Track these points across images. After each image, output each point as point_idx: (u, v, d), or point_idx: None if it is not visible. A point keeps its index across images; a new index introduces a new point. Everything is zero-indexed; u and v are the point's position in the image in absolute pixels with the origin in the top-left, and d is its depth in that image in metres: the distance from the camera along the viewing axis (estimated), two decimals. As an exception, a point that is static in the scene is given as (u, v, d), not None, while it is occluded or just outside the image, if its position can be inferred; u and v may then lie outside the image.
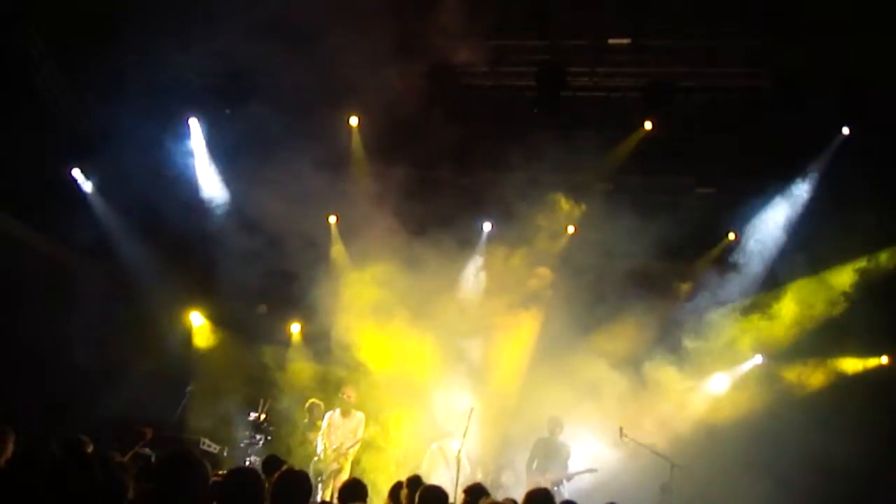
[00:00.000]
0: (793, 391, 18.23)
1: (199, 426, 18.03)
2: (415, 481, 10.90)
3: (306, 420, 17.43)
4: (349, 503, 9.92)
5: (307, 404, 17.65)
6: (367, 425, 17.20)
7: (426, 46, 17.94)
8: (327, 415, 17.37)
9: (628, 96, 18.36)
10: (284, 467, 7.96)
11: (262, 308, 19.99)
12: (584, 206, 19.06)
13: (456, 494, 12.96)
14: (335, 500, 12.15)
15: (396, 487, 11.51)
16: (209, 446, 16.74)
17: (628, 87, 18.36)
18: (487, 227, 19.43)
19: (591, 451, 17.44)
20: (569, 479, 16.81)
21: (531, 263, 19.15)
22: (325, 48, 17.55)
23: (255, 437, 16.92)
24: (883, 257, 18.36)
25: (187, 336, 19.64)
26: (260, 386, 18.77)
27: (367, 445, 17.47)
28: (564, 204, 18.99)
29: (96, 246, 19.33)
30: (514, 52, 18.22)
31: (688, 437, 17.73)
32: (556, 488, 16.12)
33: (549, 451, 17.06)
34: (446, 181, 18.11)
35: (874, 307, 17.46)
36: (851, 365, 18.47)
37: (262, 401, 17.70)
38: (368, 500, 10.18)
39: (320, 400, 17.69)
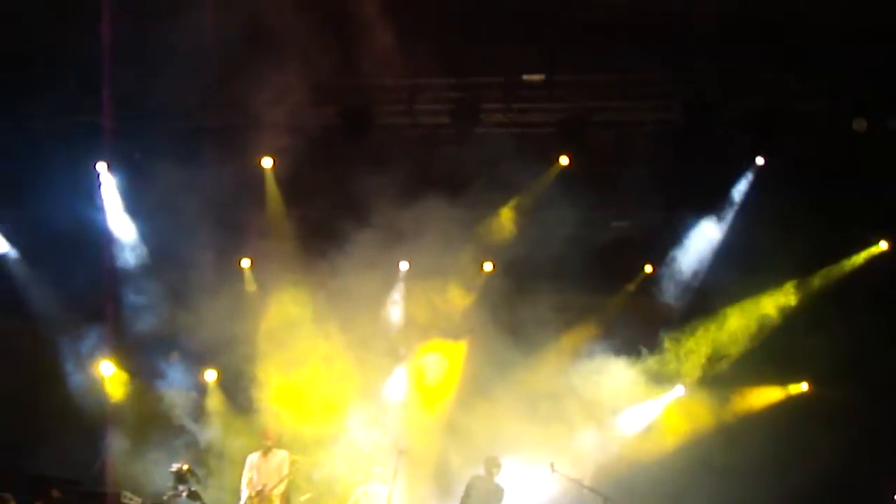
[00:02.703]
0: (715, 422, 18.28)
1: (119, 479, 17.51)
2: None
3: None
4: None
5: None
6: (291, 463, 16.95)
7: (340, 86, 17.94)
8: (248, 458, 16.96)
9: (543, 132, 18.42)
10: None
11: (175, 355, 19.52)
12: (501, 242, 18.98)
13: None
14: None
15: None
16: (130, 499, 16.20)
17: (543, 123, 18.45)
18: (405, 265, 19.25)
19: (523, 487, 17.29)
20: None
21: (450, 301, 19.00)
22: (237, 89, 17.42)
23: (178, 488, 16.42)
24: (794, 286, 18.62)
25: (100, 387, 19.07)
26: (180, 435, 18.29)
27: (295, 488, 17.19)
28: (482, 240, 18.90)
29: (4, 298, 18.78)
30: (429, 90, 18.21)
31: (617, 471, 17.70)
32: None
33: (485, 491, 16.80)
34: (363, 220, 17.89)
35: (795, 333, 17.72)
36: (773, 393, 18.62)
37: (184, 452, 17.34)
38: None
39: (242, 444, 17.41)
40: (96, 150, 18.51)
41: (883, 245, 18.20)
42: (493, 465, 16.73)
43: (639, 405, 18.76)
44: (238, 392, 18.94)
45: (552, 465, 15.97)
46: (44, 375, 18.75)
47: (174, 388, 18.84)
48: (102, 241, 19.02)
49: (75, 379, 18.89)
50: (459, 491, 16.82)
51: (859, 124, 16.82)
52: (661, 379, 18.78)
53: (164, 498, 16.22)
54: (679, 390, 18.75)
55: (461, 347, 19.05)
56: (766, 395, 18.66)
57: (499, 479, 16.72)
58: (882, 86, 16.67)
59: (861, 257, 18.42)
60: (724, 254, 18.53)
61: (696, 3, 16.66)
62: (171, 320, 18.66)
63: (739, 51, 16.74)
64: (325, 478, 17.87)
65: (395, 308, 19.43)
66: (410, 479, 17.38)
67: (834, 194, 17.33)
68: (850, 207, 17.50)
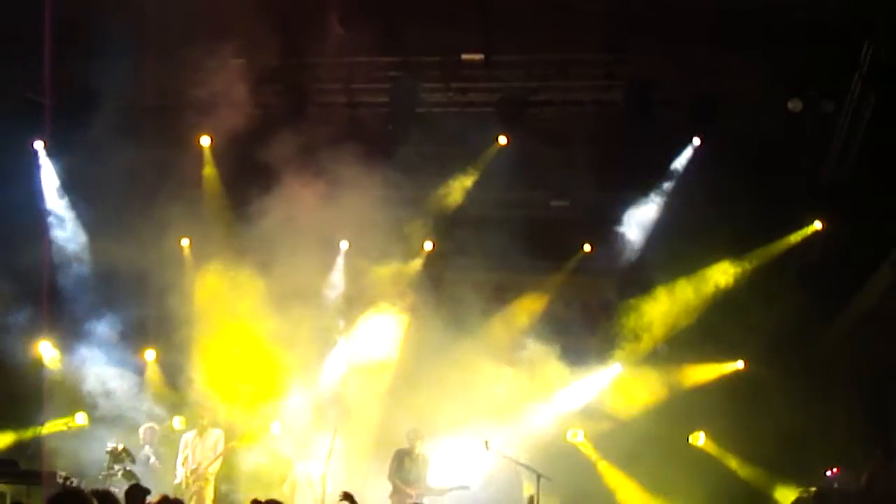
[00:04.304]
0: (653, 399, 18.42)
1: (55, 459, 17.42)
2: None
3: (146, 447, 17.27)
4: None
5: (142, 429, 17.48)
6: (227, 441, 17.08)
7: (278, 65, 17.87)
8: (184, 437, 17.21)
9: (483, 111, 18.43)
10: (158, 496, 7.84)
11: (113, 335, 19.39)
12: (441, 220, 19.04)
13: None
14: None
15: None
16: (66, 479, 16.13)
17: (482, 103, 18.45)
18: (344, 245, 19.24)
19: (458, 464, 17.37)
20: (440, 494, 16.60)
21: (389, 278, 19.01)
22: (177, 68, 17.32)
23: (113, 468, 16.40)
24: (730, 265, 18.78)
25: (39, 368, 18.93)
26: (116, 415, 18.22)
27: (231, 467, 17.22)
28: (421, 218, 18.94)
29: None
30: (368, 69, 18.15)
31: (554, 449, 17.84)
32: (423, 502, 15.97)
33: (410, 462, 16.87)
34: (302, 199, 17.83)
35: (732, 311, 17.89)
36: (710, 370, 18.81)
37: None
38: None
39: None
40: (35, 128, 18.34)
41: (817, 225, 18.35)
42: (415, 436, 16.85)
43: (577, 383, 18.81)
44: (175, 371, 18.89)
45: (486, 442, 16.08)
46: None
47: (112, 368, 18.67)
48: (40, 219, 18.86)
49: (12, 359, 18.69)
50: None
51: (794, 105, 16.92)
52: (599, 357, 18.90)
53: (100, 477, 16.21)
54: (617, 368, 18.86)
55: (402, 321, 19.07)
56: (703, 373, 18.79)
57: (423, 449, 16.84)
58: (817, 68, 16.77)
59: (796, 237, 18.59)
60: (662, 233, 18.65)
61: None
62: (109, 300, 18.55)
63: (679, 32, 16.77)
64: (262, 457, 17.82)
65: (335, 285, 19.39)
66: (348, 455, 17.48)
67: (770, 174, 17.47)
68: (786, 187, 17.67)
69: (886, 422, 17.66)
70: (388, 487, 16.76)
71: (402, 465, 16.79)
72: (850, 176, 17.13)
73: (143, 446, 17.45)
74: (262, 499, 11.15)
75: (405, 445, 16.95)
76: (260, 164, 17.82)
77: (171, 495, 14.89)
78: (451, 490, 16.61)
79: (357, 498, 15.89)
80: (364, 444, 18.05)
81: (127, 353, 19.06)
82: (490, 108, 18.36)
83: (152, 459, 17.33)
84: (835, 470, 17.16)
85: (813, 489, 15.96)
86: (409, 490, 16.28)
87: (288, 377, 18.17)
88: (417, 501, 15.77)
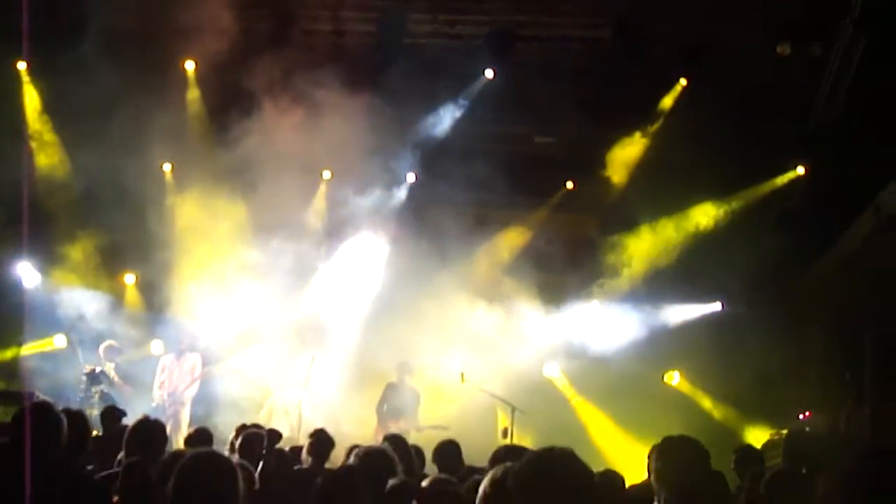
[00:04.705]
0: (630, 336, 18.51)
1: (34, 380, 17.45)
2: (241, 427, 10.81)
3: (107, 363, 17.25)
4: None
5: (101, 347, 17.44)
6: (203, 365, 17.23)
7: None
8: (161, 360, 17.36)
9: (471, 44, 18.30)
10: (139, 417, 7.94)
11: (92, 259, 19.31)
12: (424, 155, 18.99)
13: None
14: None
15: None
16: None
17: (470, 35, 18.34)
18: (327, 174, 19.17)
19: (432, 397, 17.48)
20: (419, 430, 16.68)
21: (371, 208, 18.98)
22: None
23: (90, 390, 16.47)
24: (712, 206, 18.82)
25: (18, 289, 18.88)
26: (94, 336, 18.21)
27: (208, 391, 17.32)
28: (405, 149, 18.88)
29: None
30: (356, -2, 18.00)
31: (531, 384, 17.94)
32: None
33: (397, 396, 16.99)
34: (286, 127, 17.73)
35: (712, 252, 17.96)
36: (688, 311, 18.90)
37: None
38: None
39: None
40: (16, 48, 18.14)
41: (800, 170, 18.36)
42: (404, 370, 16.99)
43: (555, 318, 18.89)
44: (155, 295, 18.91)
45: (462, 374, 16.18)
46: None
47: (90, 291, 18.64)
48: (21, 141, 18.74)
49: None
50: (375, 392, 17.05)
51: (783, 49, 16.85)
52: (578, 294, 18.95)
53: (77, 399, 16.27)
54: (595, 305, 18.95)
55: (383, 251, 19.08)
56: (681, 312, 18.88)
57: (413, 383, 16.94)
58: (808, 12, 16.68)
59: (780, 180, 18.61)
60: (646, 171, 18.60)
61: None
62: (89, 223, 18.53)
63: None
64: (238, 383, 17.88)
65: (317, 213, 19.36)
66: (325, 382, 17.55)
67: (756, 118, 17.42)
68: (772, 132, 17.65)
69: (861, 368, 17.76)
70: (364, 414, 16.92)
71: (390, 398, 16.91)
72: (837, 121, 17.08)
73: (103, 364, 17.35)
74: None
75: (394, 379, 17.04)
76: (244, 91, 17.71)
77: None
78: (429, 428, 16.68)
79: (333, 424, 16.10)
80: (341, 372, 18.07)
81: (106, 276, 19.04)
82: (478, 40, 18.24)
83: (114, 377, 17.27)
84: (807, 413, 17.31)
85: (784, 431, 16.08)
86: (392, 424, 16.37)
87: (267, 303, 18.17)
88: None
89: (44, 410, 7.17)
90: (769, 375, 17.35)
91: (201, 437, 10.54)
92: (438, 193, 18.57)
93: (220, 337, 18.02)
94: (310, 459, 10.02)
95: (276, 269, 18.00)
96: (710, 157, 16.98)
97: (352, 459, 7.57)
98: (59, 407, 14.63)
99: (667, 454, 7.02)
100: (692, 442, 7.00)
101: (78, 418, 7.80)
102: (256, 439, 10.33)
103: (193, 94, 18.78)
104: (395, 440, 9.20)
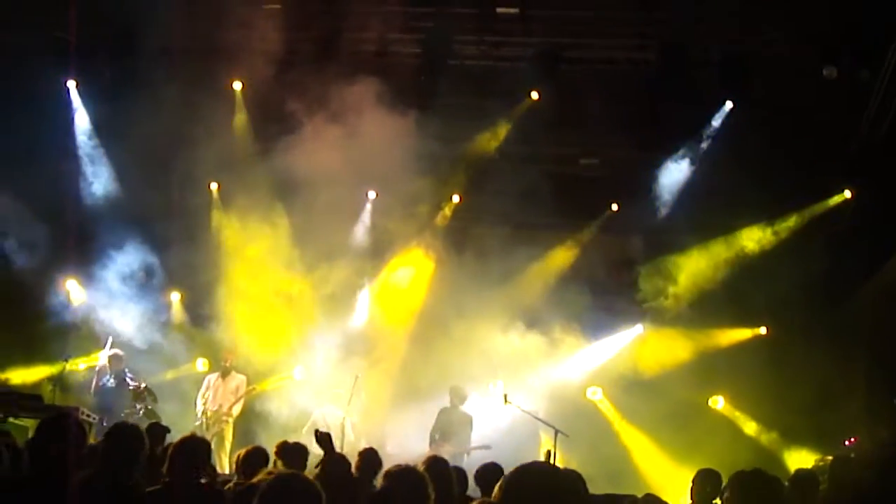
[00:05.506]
0: (674, 360, 18.42)
1: (79, 397, 17.59)
2: (283, 446, 10.75)
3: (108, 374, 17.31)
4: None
5: (107, 355, 17.49)
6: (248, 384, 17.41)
7: (311, 11, 17.83)
8: (206, 378, 17.63)
9: (516, 66, 18.37)
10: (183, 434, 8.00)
11: (141, 276, 19.51)
12: (469, 175, 19.04)
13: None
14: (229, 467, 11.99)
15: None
16: (87, 416, 16.32)
17: (516, 57, 18.42)
18: (372, 194, 19.25)
19: (477, 419, 17.44)
20: (467, 453, 16.60)
21: (416, 230, 19.05)
22: (209, 10, 17.27)
23: (135, 406, 16.60)
24: (758, 230, 18.72)
25: (65, 306, 19.06)
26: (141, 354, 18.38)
27: (255, 415, 17.41)
28: (450, 171, 18.92)
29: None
30: (402, 18, 18.04)
31: (573, 407, 17.91)
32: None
33: (449, 421, 16.98)
34: (332, 147, 17.83)
35: (757, 276, 17.87)
36: (732, 335, 18.78)
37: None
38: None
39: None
40: (66, 67, 18.37)
41: (847, 194, 18.24)
42: (455, 395, 17.00)
43: (599, 342, 18.86)
44: (201, 315, 19.05)
45: (505, 395, 16.16)
46: (14, 299, 18.64)
47: (137, 308, 18.80)
48: (71, 159, 18.96)
49: (40, 296, 18.78)
50: (417, 412, 17.05)
51: (829, 72, 16.78)
52: (622, 316, 18.90)
53: (122, 415, 16.39)
54: (638, 329, 18.88)
55: (427, 272, 19.14)
56: (726, 336, 18.76)
57: (465, 407, 16.94)
58: (852, 33, 16.62)
59: (827, 204, 18.50)
60: (691, 195, 18.53)
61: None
62: (136, 241, 18.65)
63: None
64: (283, 400, 17.98)
65: (362, 233, 19.45)
66: (369, 402, 17.61)
67: (801, 140, 17.33)
68: (818, 154, 17.53)
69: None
70: (407, 434, 16.98)
71: (443, 423, 16.92)
72: (884, 144, 16.96)
73: (106, 374, 17.39)
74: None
75: (447, 405, 17.06)
76: (290, 110, 17.83)
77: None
78: (473, 449, 16.66)
79: (377, 444, 16.11)
80: (384, 393, 18.15)
81: (152, 295, 19.19)
82: (523, 62, 18.29)
83: (110, 382, 17.28)
84: (853, 439, 17.13)
85: (829, 457, 15.92)
86: (442, 447, 16.34)
87: (312, 323, 18.28)
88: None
89: (62, 420, 7.35)
90: (814, 400, 17.14)
91: (257, 455, 10.40)
92: (483, 213, 18.63)
93: (264, 356, 18.10)
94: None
95: (320, 288, 18.09)
96: (756, 180, 16.86)
97: (379, 480, 7.51)
98: (105, 423, 15.01)
99: (741, 488, 6.83)
100: (766, 476, 6.87)
101: (136, 432, 7.92)
102: (299, 454, 10.35)
103: (240, 113, 18.93)
104: (434, 461, 9.17)
